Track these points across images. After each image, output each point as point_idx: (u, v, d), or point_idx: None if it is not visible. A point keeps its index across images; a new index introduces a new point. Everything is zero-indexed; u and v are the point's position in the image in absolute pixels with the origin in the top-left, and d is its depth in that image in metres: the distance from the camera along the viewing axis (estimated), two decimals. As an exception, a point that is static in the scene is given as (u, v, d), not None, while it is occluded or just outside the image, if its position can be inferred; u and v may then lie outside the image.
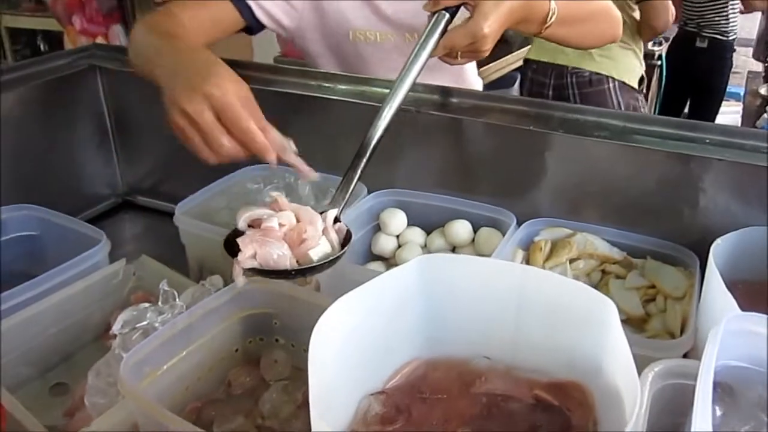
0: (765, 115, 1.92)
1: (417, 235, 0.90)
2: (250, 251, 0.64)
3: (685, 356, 0.66)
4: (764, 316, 0.54)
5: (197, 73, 0.72)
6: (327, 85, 1.02)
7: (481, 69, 1.29)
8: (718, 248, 0.71)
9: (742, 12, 3.00)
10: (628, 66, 2.15)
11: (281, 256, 0.64)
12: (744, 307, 0.58)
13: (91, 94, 1.12)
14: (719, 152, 0.80)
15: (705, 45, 2.92)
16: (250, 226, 0.67)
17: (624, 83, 2.13)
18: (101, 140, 1.14)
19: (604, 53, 2.10)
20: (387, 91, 0.95)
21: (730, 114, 3.23)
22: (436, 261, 0.61)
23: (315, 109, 1.00)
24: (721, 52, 2.95)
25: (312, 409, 0.44)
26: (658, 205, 0.84)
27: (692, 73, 2.98)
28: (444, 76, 1.09)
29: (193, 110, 0.69)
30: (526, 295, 0.60)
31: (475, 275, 0.61)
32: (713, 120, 3.07)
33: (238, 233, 0.66)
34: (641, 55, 2.21)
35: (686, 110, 3.20)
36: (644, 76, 2.21)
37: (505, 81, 2.85)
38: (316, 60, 1.13)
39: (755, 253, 0.77)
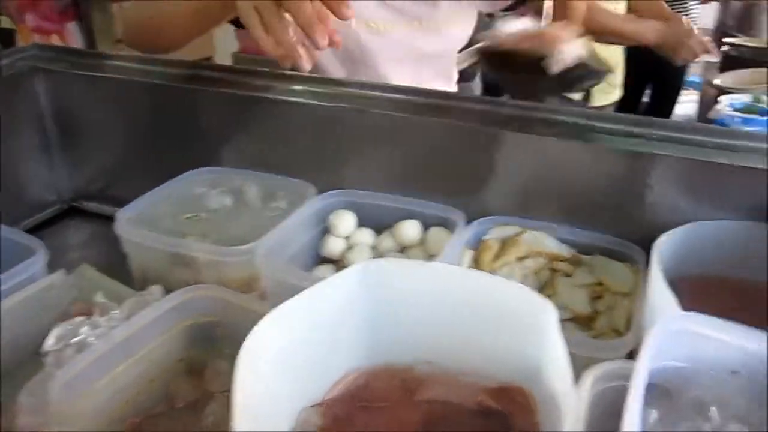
0: (716, 106, 1.94)
1: (367, 236, 0.88)
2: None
3: (630, 354, 0.66)
4: (705, 315, 0.54)
5: None
6: (279, 85, 0.99)
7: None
8: (663, 244, 0.71)
9: (702, 2, 3.03)
10: None
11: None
12: (691, 303, 0.58)
13: (32, 97, 1.08)
14: (665, 148, 0.80)
15: (665, 33, 2.94)
16: None
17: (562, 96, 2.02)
18: (44, 145, 1.10)
19: None
20: (346, 90, 0.94)
21: (688, 103, 3.27)
22: (376, 267, 0.59)
23: (267, 110, 0.98)
24: (681, 40, 2.98)
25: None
26: (607, 201, 0.84)
27: (652, 62, 3.00)
28: (431, 68, 1.08)
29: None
30: (469, 299, 0.59)
31: (418, 280, 0.60)
32: (672, 108, 3.10)
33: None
34: None
35: (645, 99, 3.23)
36: (590, 90, 2.11)
37: (464, 75, 2.85)
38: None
39: (704, 248, 0.77)
